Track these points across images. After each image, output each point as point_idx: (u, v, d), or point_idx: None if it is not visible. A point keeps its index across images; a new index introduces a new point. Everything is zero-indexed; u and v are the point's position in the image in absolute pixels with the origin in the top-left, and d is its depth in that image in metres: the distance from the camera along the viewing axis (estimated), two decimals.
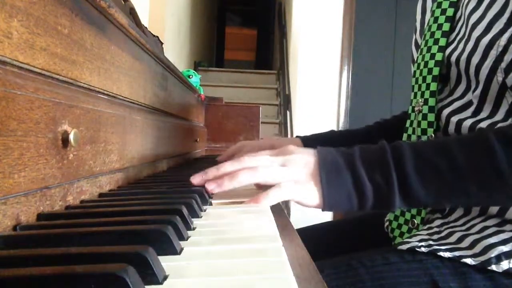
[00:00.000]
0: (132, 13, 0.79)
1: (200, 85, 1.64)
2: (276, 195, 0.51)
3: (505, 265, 0.55)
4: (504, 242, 0.57)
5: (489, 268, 0.56)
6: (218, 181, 0.53)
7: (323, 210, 0.54)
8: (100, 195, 0.53)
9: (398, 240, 0.74)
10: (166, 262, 0.28)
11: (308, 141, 0.89)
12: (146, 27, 0.94)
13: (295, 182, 0.53)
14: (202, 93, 1.60)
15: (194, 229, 0.39)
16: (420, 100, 0.72)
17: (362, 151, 0.54)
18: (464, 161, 0.50)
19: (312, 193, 0.52)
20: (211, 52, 7.02)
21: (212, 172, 0.55)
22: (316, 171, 0.53)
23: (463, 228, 0.63)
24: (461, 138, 0.53)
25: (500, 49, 0.60)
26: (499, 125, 0.61)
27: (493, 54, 0.60)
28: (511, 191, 0.50)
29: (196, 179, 0.55)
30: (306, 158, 0.54)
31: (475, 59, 0.63)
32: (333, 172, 0.53)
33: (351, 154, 0.54)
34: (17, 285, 0.22)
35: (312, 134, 0.94)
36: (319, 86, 3.22)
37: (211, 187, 0.53)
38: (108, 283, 0.21)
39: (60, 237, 0.31)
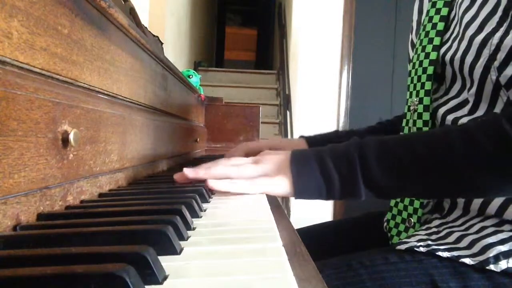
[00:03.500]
0: (132, 13, 0.79)
1: (200, 85, 1.64)
2: (243, 186, 0.56)
3: (503, 264, 0.55)
4: (502, 242, 0.57)
5: (487, 267, 0.56)
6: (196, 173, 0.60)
7: (295, 198, 0.58)
8: (100, 195, 0.53)
9: (396, 239, 0.75)
10: (166, 262, 0.28)
11: (314, 142, 0.89)
12: (146, 27, 0.94)
13: (265, 176, 0.58)
14: (202, 93, 1.60)
15: (194, 229, 0.39)
16: (415, 99, 0.73)
17: (332, 146, 0.59)
18: (424, 152, 0.53)
19: (282, 182, 0.57)
20: (211, 52, 7.02)
21: (187, 173, 0.61)
22: (287, 164, 0.58)
23: (462, 228, 0.63)
24: (425, 132, 0.57)
25: (493, 48, 0.60)
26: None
27: (486, 53, 0.61)
28: (467, 183, 0.53)
29: (177, 175, 0.62)
30: (279, 157, 0.60)
31: (469, 58, 0.63)
32: (302, 163, 0.57)
33: (321, 149, 0.59)
34: (17, 285, 0.22)
35: (317, 134, 0.95)
36: (319, 86, 3.22)
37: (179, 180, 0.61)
38: (108, 283, 0.21)
39: (60, 237, 0.31)
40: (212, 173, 0.59)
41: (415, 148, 0.54)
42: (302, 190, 0.57)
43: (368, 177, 0.55)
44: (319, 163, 0.57)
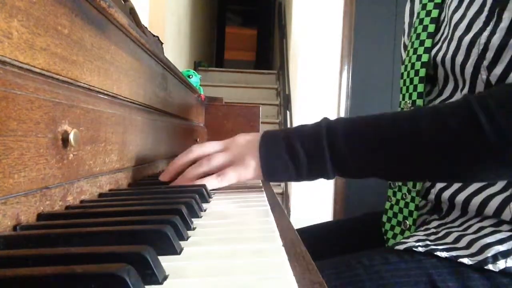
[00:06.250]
0: (132, 13, 0.79)
1: (200, 85, 1.64)
2: (212, 183, 0.59)
3: (501, 264, 0.56)
4: (500, 241, 0.57)
5: (486, 267, 0.56)
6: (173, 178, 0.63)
7: (264, 180, 0.59)
8: (100, 195, 0.53)
9: (391, 241, 0.75)
10: (166, 262, 0.28)
11: None
12: (146, 27, 0.94)
13: (233, 163, 0.59)
14: (202, 93, 1.60)
15: (194, 229, 0.39)
16: (408, 101, 0.73)
17: (300, 125, 0.60)
18: (391, 132, 0.54)
19: (250, 166, 0.58)
20: (211, 52, 7.02)
21: (168, 171, 0.64)
22: (256, 146, 0.59)
23: (460, 228, 0.63)
24: (395, 112, 0.57)
25: (481, 47, 0.60)
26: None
27: (475, 52, 0.61)
28: (434, 165, 0.53)
29: (164, 177, 0.64)
30: (249, 139, 0.61)
31: (459, 58, 0.63)
32: (270, 144, 0.58)
33: (290, 129, 0.59)
34: (17, 285, 0.22)
35: None
36: (319, 86, 3.22)
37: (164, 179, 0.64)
38: (108, 283, 0.21)
39: (60, 237, 0.31)
40: (189, 176, 0.61)
41: (383, 128, 0.54)
42: (270, 171, 0.57)
43: (336, 155, 0.55)
44: (286, 142, 0.57)
